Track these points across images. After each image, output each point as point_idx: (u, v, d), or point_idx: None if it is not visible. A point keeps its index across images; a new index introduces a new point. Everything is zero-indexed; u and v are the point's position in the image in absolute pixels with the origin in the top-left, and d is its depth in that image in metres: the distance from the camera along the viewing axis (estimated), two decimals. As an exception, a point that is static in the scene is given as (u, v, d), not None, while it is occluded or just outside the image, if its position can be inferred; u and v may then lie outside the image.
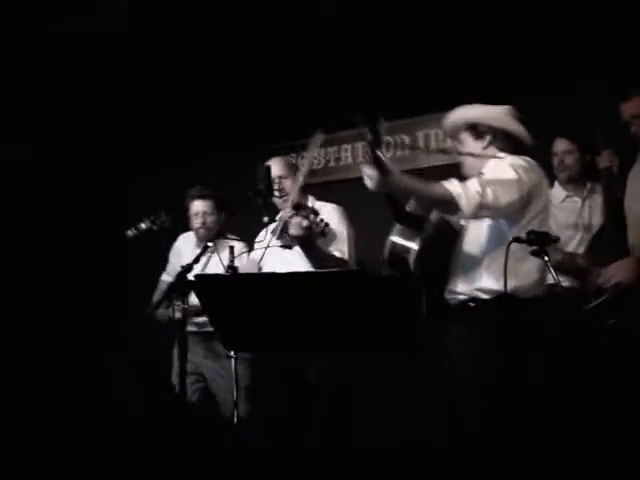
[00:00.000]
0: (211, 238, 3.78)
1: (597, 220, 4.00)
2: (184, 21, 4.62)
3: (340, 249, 3.70)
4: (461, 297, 3.18)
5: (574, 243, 4.00)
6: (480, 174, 3.12)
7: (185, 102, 5.36)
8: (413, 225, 3.18)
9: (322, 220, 3.41)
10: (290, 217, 3.49)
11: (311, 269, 3.58)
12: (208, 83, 5.16)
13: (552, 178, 4.20)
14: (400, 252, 3.15)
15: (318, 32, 4.55)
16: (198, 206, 4.45)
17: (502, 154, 3.21)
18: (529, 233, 3.11)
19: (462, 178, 3.31)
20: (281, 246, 3.59)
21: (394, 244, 3.19)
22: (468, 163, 3.30)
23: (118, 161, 5.38)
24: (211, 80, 5.12)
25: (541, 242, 3.09)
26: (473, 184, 2.95)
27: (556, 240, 3.23)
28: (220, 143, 5.65)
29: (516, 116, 3.28)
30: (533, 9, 4.26)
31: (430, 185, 2.96)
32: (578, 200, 4.12)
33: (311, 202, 3.84)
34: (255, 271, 3.84)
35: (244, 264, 3.90)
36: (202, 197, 4.44)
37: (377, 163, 2.76)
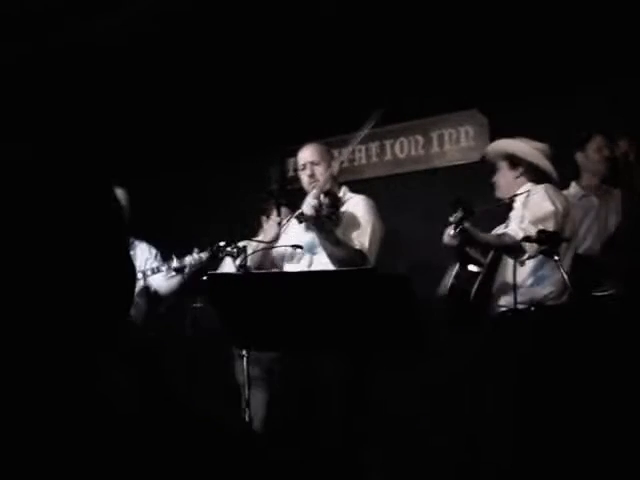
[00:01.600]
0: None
1: (614, 220, 3.98)
2: (187, 25, 4.62)
3: (361, 240, 3.61)
4: (502, 309, 3.66)
5: (589, 241, 3.96)
6: (512, 198, 3.71)
7: (184, 106, 5.36)
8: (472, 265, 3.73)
9: (334, 205, 3.41)
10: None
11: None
12: (209, 86, 5.15)
13: (568, 178, 4.17)
14: (459, 293, 3.70)
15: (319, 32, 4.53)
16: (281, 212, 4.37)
17: (529, 184, 3.73)
18: (540, 232, 3.12)
19: (476, 178, 3.99)
20: (292, 246, 3.59)
21: (453, 286, 3.72)
22: (501, 186, 3.84)
23: (120, 164, 5.39)
24: (212, 83, 5.11)
25: (552, 242, 3.09)
26: (530, 229, 3.39)
27: (567, 240, 3.24)
28: (222, 148, 5.65)
29: (548, 154, 3.78)
30: (557, 3, 4.22)
31: (499, 237, 3.58)
32: (595, 199, 4.09)
33: (343, 192, 3.77)
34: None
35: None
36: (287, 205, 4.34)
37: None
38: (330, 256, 3.54)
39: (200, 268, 4.06)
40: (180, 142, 5.72)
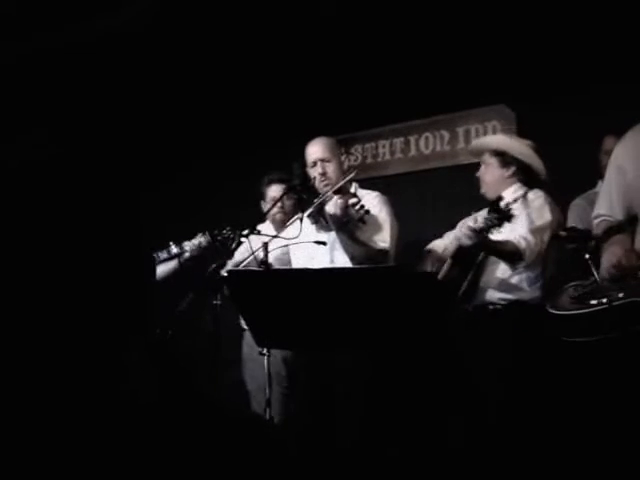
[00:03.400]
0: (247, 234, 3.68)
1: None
2: (188, 26, 4.62)
3: (383, 238, 3.60)
4: (483, 303, 3.61)
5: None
6: (499, 197, 3.47)
7: (198, 105, 5.41)
8: (465, 261, 3.62)
9: (362, 206, 3.35)
10: (329, 197, 3.47)
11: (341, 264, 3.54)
12: (213, 86, 5.19)
13: (594, 177, 4.10)
14: (452, 285, 3.59)
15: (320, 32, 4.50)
16: (276, 191, 4.25)
17: (518, 184, 3.67)
18: (569, 230, 3.07)
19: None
20: (315, 242, 3.53)
21: (447, 278, 3.59)
22: (489, 183, 3.74)
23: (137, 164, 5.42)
24: (215, 83, 5.15)
25: (582, 239, 3.03)
26: (532, 237, 3.42)
27: (597, 238, 3.16)
28: (237, 146, 5.64)
29: (536, 150, 3.69)
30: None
31: (504, 244, 3.47)
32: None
33: (354, 189, 3.72)
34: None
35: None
36: (281, 181, 4.23)
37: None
38: (352, 257, 3.50)
39: (199, 255, 3.99)
40: (186, 141, 5.74)
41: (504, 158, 3.69)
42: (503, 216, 3.20)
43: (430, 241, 4.55)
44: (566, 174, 3.97)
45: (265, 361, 3.56)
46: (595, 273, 3.00)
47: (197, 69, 5.01)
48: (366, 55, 4.70)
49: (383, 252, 3.57)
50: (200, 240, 3.96)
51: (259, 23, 4.53)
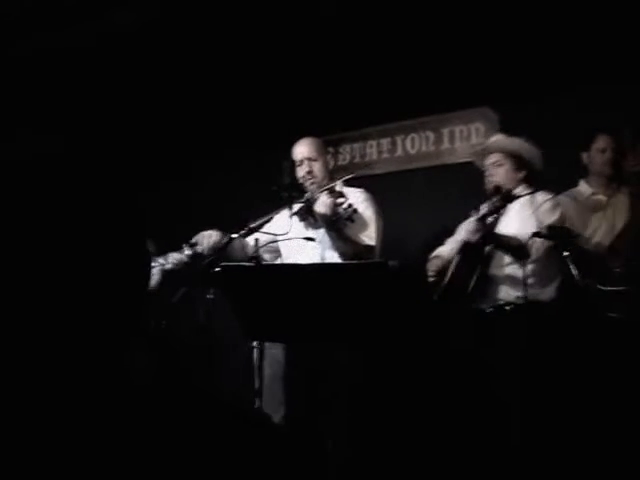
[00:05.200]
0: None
1: (621, 220, 3.98)
2: (188, 26, 4.66)
3: (368, 235, 3.67)
4: (499, 302, 3.66)
5: (597, 238, 3.97)
6: (509, 194, 3.65)
7: (197, 105, 5.44)
8: (473, 256, 3.67)
9: (350, 205, 3.43)
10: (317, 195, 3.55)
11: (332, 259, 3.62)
12: (213, 86, 5.22)
13: (576, 176, 4.19)
14: (461, 281, 3.67)
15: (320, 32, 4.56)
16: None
17: (523, 185, 3.75)
18: (549, 228, 3.16)
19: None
20: (304, 238, 3.61)
21: (456, 274, 3.69)
22: (496, 182, 3.74)
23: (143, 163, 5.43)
24: (215, 83, 5.18)
25: (561, 237, 3.13)
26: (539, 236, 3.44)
27: (576, 236, 3.28)
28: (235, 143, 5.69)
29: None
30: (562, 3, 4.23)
31: (510, 238, 3.57)
32: (604, 198, 4.10)
33: (339, 187, 3.77)
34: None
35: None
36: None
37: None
38: (341, 254, 3.57)
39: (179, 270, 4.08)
40: (186, 141, 5.80)
41: (518, 161, 3.78)
42: (505, 198, 3.30)
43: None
44: (548, 174, 4.06)
45: (255, 354, 3.64)
46: (573, 269, 3.11)
47: (197, 69, 5.04)
48: (357, 57, 4.75)
49: (369, 248, 3.65)
50: (184, 255, 4.00)
51: (258, 24, 4.56)
